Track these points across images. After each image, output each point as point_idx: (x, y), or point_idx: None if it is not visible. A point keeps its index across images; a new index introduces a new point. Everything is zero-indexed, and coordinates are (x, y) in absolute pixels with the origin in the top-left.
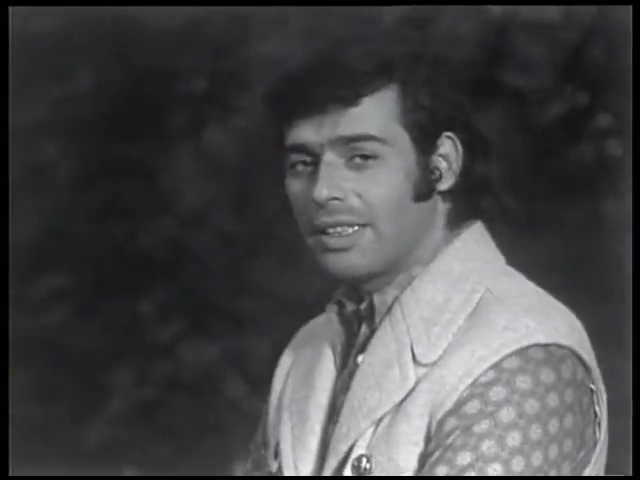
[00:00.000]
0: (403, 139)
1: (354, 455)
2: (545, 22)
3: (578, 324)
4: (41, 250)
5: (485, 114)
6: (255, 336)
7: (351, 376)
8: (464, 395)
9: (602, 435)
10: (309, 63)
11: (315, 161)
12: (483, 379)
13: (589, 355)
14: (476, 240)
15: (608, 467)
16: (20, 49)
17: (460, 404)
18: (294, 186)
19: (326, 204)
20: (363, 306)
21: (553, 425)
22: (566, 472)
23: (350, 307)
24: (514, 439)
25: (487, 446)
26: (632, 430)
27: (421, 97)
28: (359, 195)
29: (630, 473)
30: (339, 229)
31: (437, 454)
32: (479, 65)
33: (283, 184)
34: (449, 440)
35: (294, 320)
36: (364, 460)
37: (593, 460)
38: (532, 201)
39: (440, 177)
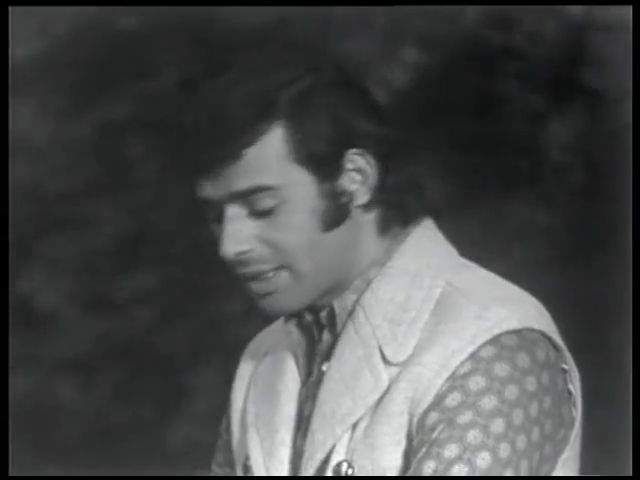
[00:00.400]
0: (301, 175)
1: (333, 462)
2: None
3: (542, 307)
4: (128, 249)
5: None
6: None
7: (318, 384)
8: (443, 389)
9: (578, 414)
10: (196, 117)
11: (220, 214)
12: (461, 370)
13: (557, 337)
14: (428, 236)
15: (608, 467)
16: (106, 48)
17: (441, 398)
18: (215, 236)
19: (236, 259)
20: (323, 314)
21: (534, 408)
22: (548, 452)
23: (309, 317)
24: (498, 426)
25: (473, 436)
26: (632, 430)
27: (310, 125)
28: (266, 242)
29: (630, 473)
30: (259, 275)
31: (424, 450)
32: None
33: None
34: (434, 435)
35: None
36: (345, 465)
37: (572, 438)
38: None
39: (352, 197)
